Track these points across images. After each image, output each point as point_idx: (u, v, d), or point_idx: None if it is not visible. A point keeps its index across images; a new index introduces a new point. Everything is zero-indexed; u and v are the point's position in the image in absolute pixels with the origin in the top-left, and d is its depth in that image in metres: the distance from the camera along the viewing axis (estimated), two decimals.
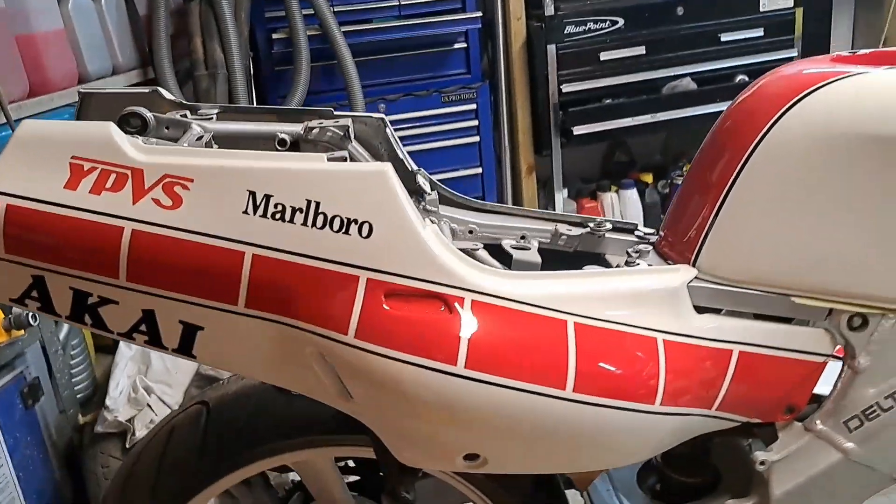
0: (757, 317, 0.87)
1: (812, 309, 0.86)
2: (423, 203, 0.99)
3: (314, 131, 0.91)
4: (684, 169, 2.77)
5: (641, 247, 0.96)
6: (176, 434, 0.92)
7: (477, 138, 2.54)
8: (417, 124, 2.48)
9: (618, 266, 0.91)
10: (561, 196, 2.60)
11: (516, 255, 0.98)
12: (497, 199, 2.66)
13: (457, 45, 2.47)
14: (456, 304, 0.74)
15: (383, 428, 0.78)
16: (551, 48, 2.37)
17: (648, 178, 2.73)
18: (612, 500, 1.07)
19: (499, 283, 0.77)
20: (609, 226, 1.01)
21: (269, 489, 1.17)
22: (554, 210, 2.62)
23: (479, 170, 2.57)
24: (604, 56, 2.40)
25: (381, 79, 2.43)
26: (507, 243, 1.00)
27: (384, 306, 0.73)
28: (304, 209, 0.71)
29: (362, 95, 2.21)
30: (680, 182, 2.71)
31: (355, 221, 0.72)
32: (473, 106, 2.50)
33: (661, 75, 2.47)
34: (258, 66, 2.36)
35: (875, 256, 0.82)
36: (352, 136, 0.92)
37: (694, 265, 0.87)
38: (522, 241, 1.01)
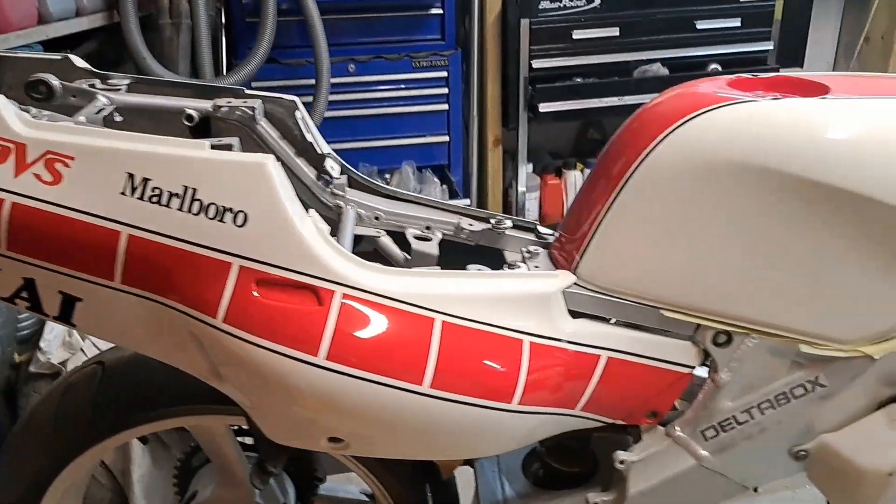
0: (630, 325, 0.91)
1: (680, 323, 0.90)
2: (329, 187, 1.01)
3: (222, 109, 0.93)
4: None
5: (533, 248, 0.99)
6: (70, 392, 0.96)
7: (446, 106, 2.54)
8: (387, 87, 2.48)
9: (511, 264, 0.94)
10: (525, 170, 2.61)
11: (416, 245, 1.01)
12: (463, 168, 2.67)
13: (433, 11, 2.45)
14: (326, 297, 0.77)
15: (251, 407, 0.82)
16: (524, 22, 2.36)
17: None
18: (496, 482, 1.12)
19: (371, 279, 0.80)
20: (510, 223, 1.04)
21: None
22: (515, 182, 2.64)
23: (447, 138, 2.58)
24: (577, 34, 2.39)
25: (352, 39, 2.42)
26: (410, 233, 1.03)
27: (254, 293, 0.76)
28: (181, 195, 0.74)
29: (328, 54, 2.20)
30: None
31: (230, 210, 0.75)
32: (444, 73, 2.49)
33: (634, 58, 2.47)
34: (231, 17, 2.35)
35: (739, 279, 0.86)
36: (259, 117, 0.94)
37: (575, 272, 0.91)
38: (427, 231, 1.04)
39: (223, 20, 2.33)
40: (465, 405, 0.81)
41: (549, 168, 2.76)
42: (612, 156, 0.93)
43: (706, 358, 0.92)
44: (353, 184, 1.05)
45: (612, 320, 0.91)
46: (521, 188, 2.62)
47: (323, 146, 1.02)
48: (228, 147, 0.79)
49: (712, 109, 0.83)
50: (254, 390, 0.80)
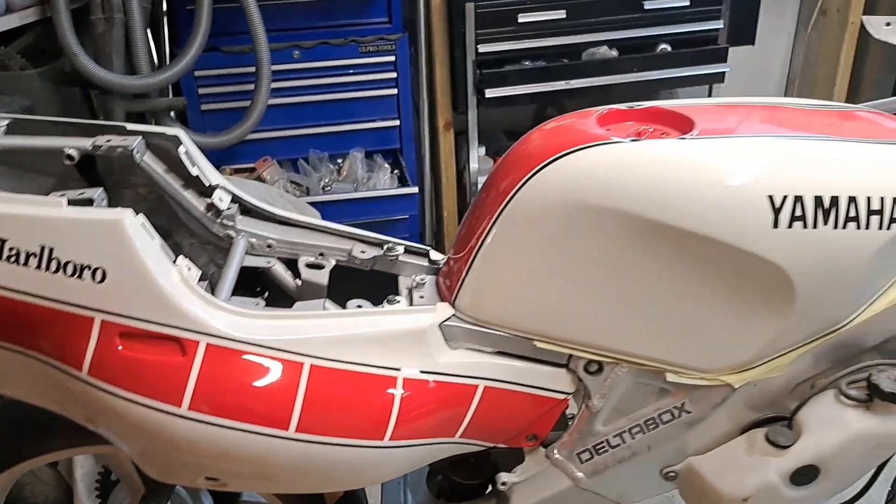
0: (507, 354, 0.94)
1: (552, 353, 0.92)
2: (219, 219, 1.03)
3: (102, 148, 0.94)
4: None
5: (419, 279, 1.01)
6: None
7: (395, 91, 2.52)
8: (334, 73, 2.45)
9: (390, 299, 0.96)
10: (477, 153, 2.61)
11: (305, 275, 1.04)
12: (416, 152, 2.67)
13: None
14: (190, 347, 0.80)
15: (129, 450, 0.85)
16: (469, 6, 2.33)
17: None
18: (400, 494, 1.16)
19: (238, 326, 0.82)
20: (401, 250, 1.06)
21: None
22: (468, 165, 2.64)
23: (397, 122, 2.57)
24: (522, 18, 2.36)
25: (296, 24, 2.39)
26: (303, 261, 1.05)
27: (118, 347, 0.78)
28: (38, 254, 0.76)
29: (267, 40, 2.17)
30: None
31: (88, 267, 0.77)
32: (392, 58, 2.46)
33: (582, 40, 2.44)
34: (172, 6, 2.31)
35: (604, 313, 0.88)
36: (139, 154, 0.95)
37: (454, 304, 0.93)
38: (320, 257, 1.06)
39: (164, 8, 2.30)
40: (334, 445, 0.84)
41: (503, 150, 2.75)
42: (483, 196, 0.94)
43: (581, 385, 0.95)
44: (247, 212, 1.07)
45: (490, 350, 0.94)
46: (474, 171, 2.62)
47: (212, 177, 1.03)
48: (88, 202, 0.80)
49: (574, 151, 0.85)
50: (124, 438, 0.83)
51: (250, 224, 1.06)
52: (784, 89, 3.05)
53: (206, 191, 1.02)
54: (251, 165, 2.50)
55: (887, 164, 0.83)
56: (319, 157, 2.54)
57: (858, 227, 0.80)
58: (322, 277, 1.03)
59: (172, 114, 2.28)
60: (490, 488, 1.11)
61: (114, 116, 2.03)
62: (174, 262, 0.82)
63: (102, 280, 0.77)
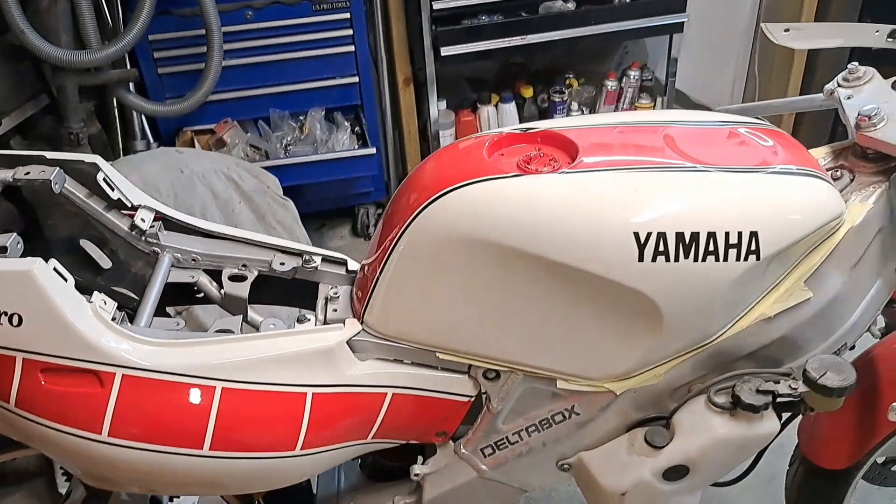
0: (413, 364, 1.02)
1: (454, 363, 1.00)
2: (143, 237, 1.08)
3: (21, 180, 0.98)
4: (567, 83, 2.78)
5: (333, 292, 1.07)
6: None
7: (352, 48, 2.51)
8: (288, 33, 2.44)
9: (300, 318, 1.03)
10: (437, 108, 2.62)
11: (227, 288, 1.10)
12: (378, 108, 2.68)
13: None
14: (107, 379, 0.87)
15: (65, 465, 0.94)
16: None
17: (529, 91, 2.75)
18: (334, 474, 1.26)
19: (151, 357, 0.89)
20: (319, 260, 1.12)
21: None
22: (429, 118, 2.64)
23: (356, 79, 2.57)
24: None
25: None
26: (227, 272, 1.11)
27: (41, 381, 0.86)
28: None
29: (215, 2, 2.16)
30: (557, 99, 2.75)
31: (5, 313, 0.83)
32: (347, 15, 2.44)
33: None
34: None
35: (495, 330, 0.96)
36: (57, 184, 0.99)
37: (363, 319, 1.00)
38: (243, 269, 1.12)
39: None
40: (248, 459, 0.93)
41: (465, 103, 2.77)
42: (387, 218, 1.00)
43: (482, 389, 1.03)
44: (171, 226, 1.12)
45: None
46: (434, 127, 2.64)
47: (134, 198, 1.08)
48: (2, 249, 0.86)
49: (460, 187, 0.90)
50: (56, 458, 0.91)
51: (175, 239, 1.11)
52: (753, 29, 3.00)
53: (130, 211, 1.07)
54: (212, 127, 2.52)
55: (746, 198, 0.88)
56: (280, 116, 2.55)
57: (717, 260, 0.86)
58: (243, 290, 1.09)
59: (131, 86, 2.29)
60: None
61: (66, 92, 2.04)
62: (90, 298, 0.88)
63: (20, 323, 0.84)
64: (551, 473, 1.08)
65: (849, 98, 1.00)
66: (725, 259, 0.86)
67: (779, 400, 0.93)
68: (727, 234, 0.85)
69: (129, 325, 0.95)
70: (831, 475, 1.21)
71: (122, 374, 0.88)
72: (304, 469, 0.99)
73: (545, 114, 2.78)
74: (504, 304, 0.93)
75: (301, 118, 2.61)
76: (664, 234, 0.85)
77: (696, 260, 0.86)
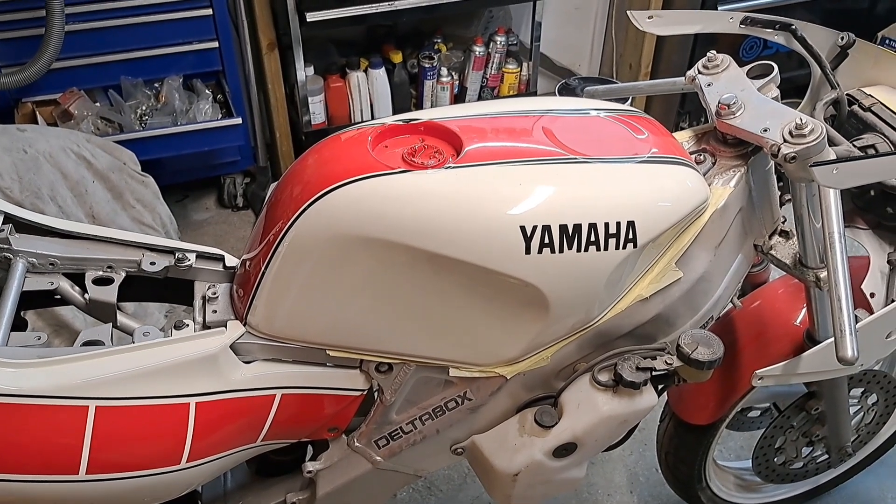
0: (303, 363, 0.99)
1: (345, 359, 0.98)
2: None
3: None
4: (435, 47, 2.76)
5: (212, 292, 1.02)
6: None
7: (210, 11, 2.35)
8: None
9: (178, 324, 0.96)
10: (304, 73, 2.52)
11: (92, 293, 1.01)
12: (241, 74, 2.54)
13: None
14: None
15: None
16: None
17: (398, 56, 2.70)
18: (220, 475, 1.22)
19: (11, 380, 0.81)
20: (193, 258, 1.05)
21: None
22: (297, 83, 2.54)
23: (216, 44, 2.41)
24: None
25: None
26: (90, 276, 1.03)
27: None
28: None
29: None
30: (427, 65, 2.72)
31: None
32: None
33: None
34: None
35: (386, 325, 0.95)
36: None
37: (245, 320, 0.96)
38: (109, 271, 1.04)
39: None
40: (130, 479, 0.87)
41: (333, 68, 2.68)
42: (268, 216, 0.95)
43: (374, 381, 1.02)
44: (23, 228, 1.02)
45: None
46: (302, 92, 2.55)
47: None
48: None
49: (344, 184, 0.87)
50: None
51: (28, 243, 1.01)
52: None
53: None
54: (55, 97, 2.30)
55: (623, 188, 0.92)
56: (133, 84, 2.37)
57: (598, 250, 0.89)
58: (110, 294, 1.01)
59: None
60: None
61: None
62: None
63: None
64: (445, 458, 1.10)
65: (709, 85, 1.05)
66: (606, 248, 0.89)
67: (655, 374, 0.99)
68: (607, 224, 0.89)
69: None
70: (699, 429, 1.32)
71: None
72: (192, 480, 0.95)
73: (415, 80, 2.75)
74: (395, 299, 0.92)
75: (157, 86, 2.43)
76: (549, 226, 0.87)
77: (579, 250, 0.88)
